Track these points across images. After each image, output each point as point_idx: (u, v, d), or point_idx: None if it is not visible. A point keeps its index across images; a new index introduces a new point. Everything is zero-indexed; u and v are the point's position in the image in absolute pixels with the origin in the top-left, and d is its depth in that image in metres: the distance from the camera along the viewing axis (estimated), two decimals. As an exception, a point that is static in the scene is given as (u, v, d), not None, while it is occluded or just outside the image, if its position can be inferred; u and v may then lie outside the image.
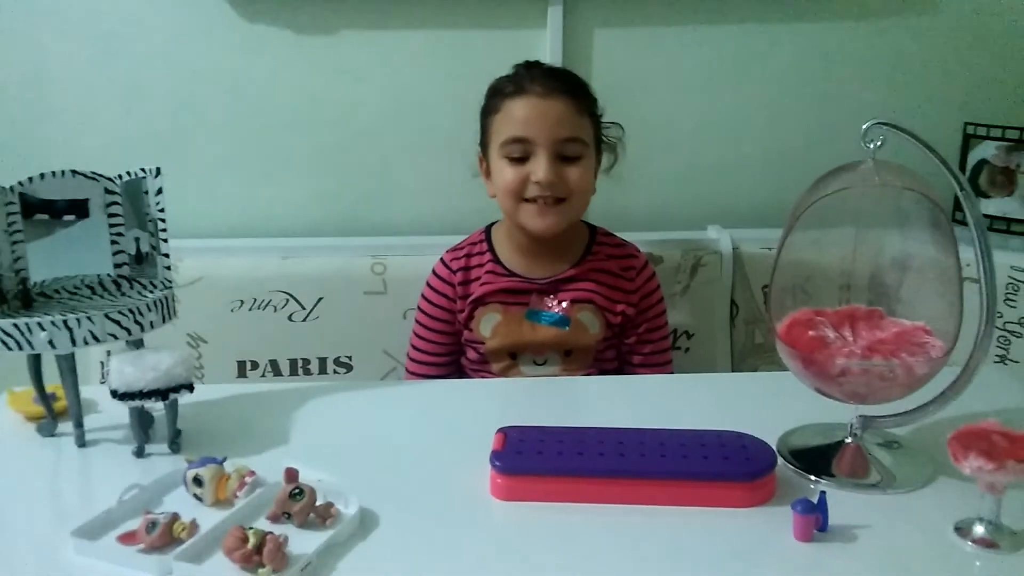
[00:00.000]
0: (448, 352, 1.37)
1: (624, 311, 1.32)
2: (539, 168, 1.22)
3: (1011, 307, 1.49)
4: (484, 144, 1.32)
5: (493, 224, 1.38)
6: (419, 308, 1.39)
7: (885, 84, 1.72)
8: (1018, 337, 1.50)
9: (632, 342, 1.35)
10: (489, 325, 1.31)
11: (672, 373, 1.39)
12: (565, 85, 1.27)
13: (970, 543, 0.75)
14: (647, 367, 1.36)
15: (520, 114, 1.24)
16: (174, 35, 1.63)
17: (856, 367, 0.84)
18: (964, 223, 0.84)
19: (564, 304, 1.29)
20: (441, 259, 1.38)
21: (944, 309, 0.86)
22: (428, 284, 1.38)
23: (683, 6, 1.67)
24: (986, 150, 1.66)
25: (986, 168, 1.67)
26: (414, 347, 1.39)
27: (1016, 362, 1.50)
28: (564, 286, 1.31)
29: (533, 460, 0.84)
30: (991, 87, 1.73)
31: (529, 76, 1.27)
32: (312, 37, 1.64)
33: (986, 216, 1.61)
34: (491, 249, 1.34)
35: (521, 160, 1.24)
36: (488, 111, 1.30)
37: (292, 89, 1.67)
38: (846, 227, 0.92)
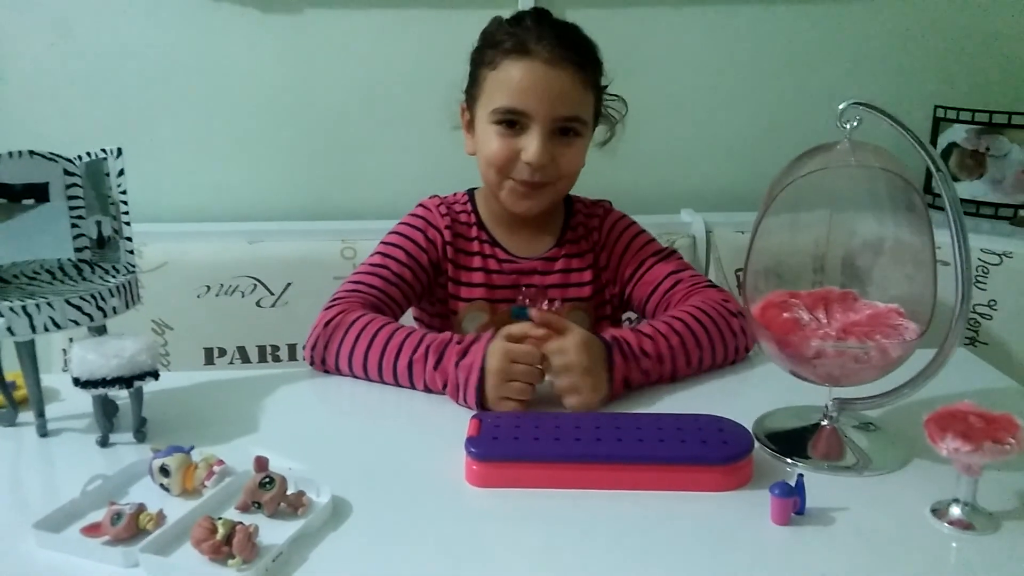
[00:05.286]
0: (393, 296, 1.18)
1: (605, 278, 1.24)
2: (531, 147, 1.11)
3: (981, 290, 1.51)
4: (471, 96, 1.19)
5: (474, 189, 1.27)
6: (385, 243, 1.21)
7: (855, 67, 1.73)
8: (987, 319, 1.52)
9: (647, 294, 1.20)
10: (473, 324, 1.22)
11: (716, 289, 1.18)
12: (575, 54, 1.13)
13: (947, 525, 0.75)
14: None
15: (519, 82, 1.11)
16: (138, 15, 1.60)
17: (831, 349, 0.84)
18: (934, 206, 0.84)
19: (556, 304, 1.20)
20: (422, 204, 1.24)
21: (918, 291, 0.86)
22: (407, 224, 1.23)
23: (656, -12, 1.66)
24: (956, 133, 1.68)
25: (956, 151, 1.68)
26: (361, 281, 1.17)
27: (986, 344, 1.51)
28: (551, 266, 1.22)
29: (509, 446, 0.83)
30: (961, 70, 1.74)
31: (536, 34, 1.12)
32: (278, 16, 1.61)
33: (956, 199, 1.63)
34: (478, 220, 1.23)
35: (512, 131, 1.13)
36: (482, 61, 1.16)
37: (258, 70, 1.64)
38: (820, 209, 0.92)
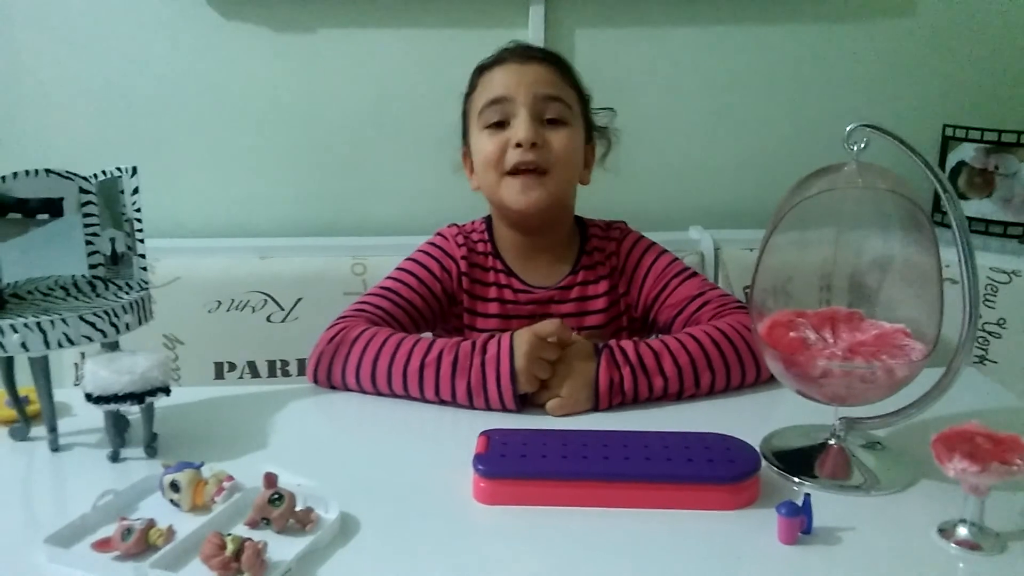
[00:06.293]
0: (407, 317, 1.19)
1: (623, 298, 1.23)
2: (519, 127, 1.13)
3: (990, 308, 1.51)
4: (466, 132, 1.24)
5: (491, 217, 1.27)
6: (399, 269, 1.22)
7: (864, 86, 1.74)
8: (997, 338, 1.51)
9: (671, 316, 1.20)
10: None
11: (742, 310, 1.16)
12: (545, 54, 1.22)
13: (953, 545, 0.75)
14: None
15: (498, 79, 1.18)
16: (151, 32, 1.61)
17: (837, 369, 0.84)
18: (943, 224, 0.84)
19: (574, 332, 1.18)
20: (440, 234, 1.26)
21: (925, 311, 0.86)
22: (424, 252, 1.24)
23: (665, 7, 1.67)
24: (965, 152, 1.68)
25: (964, 170, 1.68)
26: (367, 302, 1.18)
27: (995, 363, 1.51)
28: (567, 294, 1.22)
29: (516, 463, 0.83)
30: (969, 89, 1.75)
31: (508, 50, 1.22)
32: (290, 35, 1.63)
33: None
34: (494, 249, 1.24)
35: (501, 127, 1.16)
36: (468, 94, 1.24)
37: (270, 87, 1.66)
38: (828, 229, 0.92)
